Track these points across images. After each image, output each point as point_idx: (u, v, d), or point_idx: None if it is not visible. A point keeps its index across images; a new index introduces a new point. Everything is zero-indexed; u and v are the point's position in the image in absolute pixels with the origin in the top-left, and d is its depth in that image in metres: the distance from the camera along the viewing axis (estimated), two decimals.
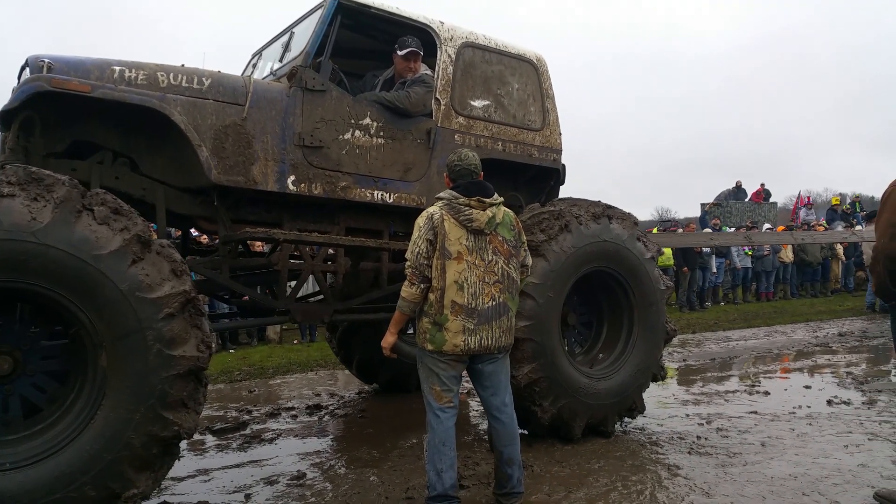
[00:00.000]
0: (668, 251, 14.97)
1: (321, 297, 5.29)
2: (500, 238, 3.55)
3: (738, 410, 5.85)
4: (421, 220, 3.50)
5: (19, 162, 3.65)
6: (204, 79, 4.13)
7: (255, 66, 5.43)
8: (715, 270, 15.45)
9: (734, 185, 22.44)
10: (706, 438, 4.96)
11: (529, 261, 3.78)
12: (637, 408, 5.21)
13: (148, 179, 4.20)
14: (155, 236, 3.41)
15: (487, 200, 3.52)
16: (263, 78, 4.95)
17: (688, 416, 5.71)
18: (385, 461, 4.59)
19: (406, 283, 3.50)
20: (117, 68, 3.91)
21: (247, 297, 4.96)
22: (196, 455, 4.93)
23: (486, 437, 5.10)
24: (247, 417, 5.98)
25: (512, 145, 5.26)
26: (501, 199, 3.62)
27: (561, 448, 4.74)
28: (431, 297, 3.45)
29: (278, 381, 7.85)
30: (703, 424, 5.39)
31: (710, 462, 4.43)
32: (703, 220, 18.54)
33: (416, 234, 3.50)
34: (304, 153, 4.37)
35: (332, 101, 4.48)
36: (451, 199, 3.51)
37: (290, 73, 4.40)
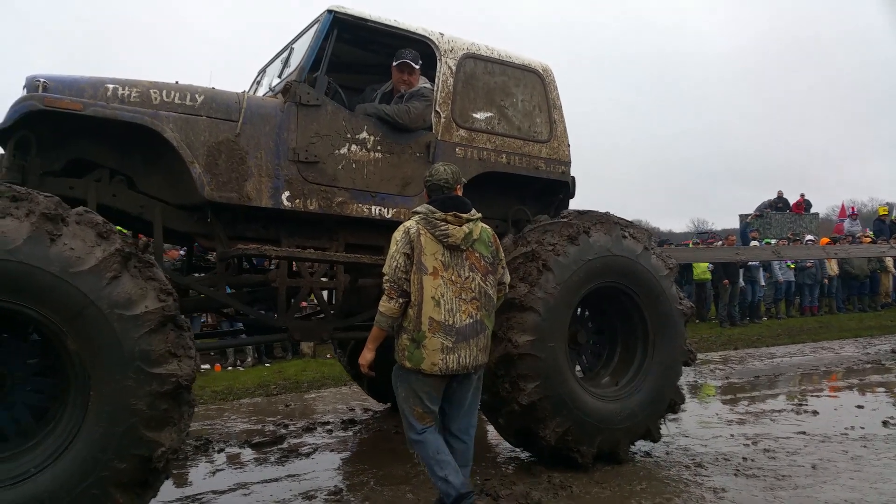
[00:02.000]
0: (703, 264, 14.79)
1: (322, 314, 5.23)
2: (477, 254, 3.49)
3: (785, 431, 5.64)
4: (398, 234, 3.46)
5: (16, 181, 3.69)
6: (197, 95, 4.14)
7: (259, 83, 5.45)
8: (763, 283, 15.12)
9: (775, 196, 21.97)
10: (753, 460, 4.79)
11: (507, 278, 3.71)
12: (652, 434, 4.94)
13: (145, 197, 4.21)
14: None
15: (464, 216, 3.47)
16: (264, 94, 4.96)
17: (732, 436, 5.52)
18: (418, 477, 4.53)
19: (384, 297, 3.44)
20: (111, 86, 3.95)
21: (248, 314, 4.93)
22: (235, 468, 4.97)
23: (513, 452, 5.02)
24: (283, 431, 6.00)
25: (517, 158, 5.14)
26: (479, 215, 3.56)
27: (601, 469, 4.61)
28: (410, 312, 3.39)
29: (313, 396, 7.87)
30: (748, 445, 5.20)
31: (757, 485, 4.27)
32: (743, 233, 18.14)
33: (392, 247, 3.45)
34: (299, 168, 4.34)
35: (327, 115, 4.45)
36: (428, 213, 3.46)
37: (285, 88, 4.40)
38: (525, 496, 4.02)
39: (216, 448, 5.51)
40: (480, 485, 4.24)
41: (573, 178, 5.52)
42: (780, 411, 6.45)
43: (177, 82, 4.17)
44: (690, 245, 18.11)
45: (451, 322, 3.36)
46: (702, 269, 14.69)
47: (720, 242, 16.60)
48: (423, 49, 4.89)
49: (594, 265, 4.66)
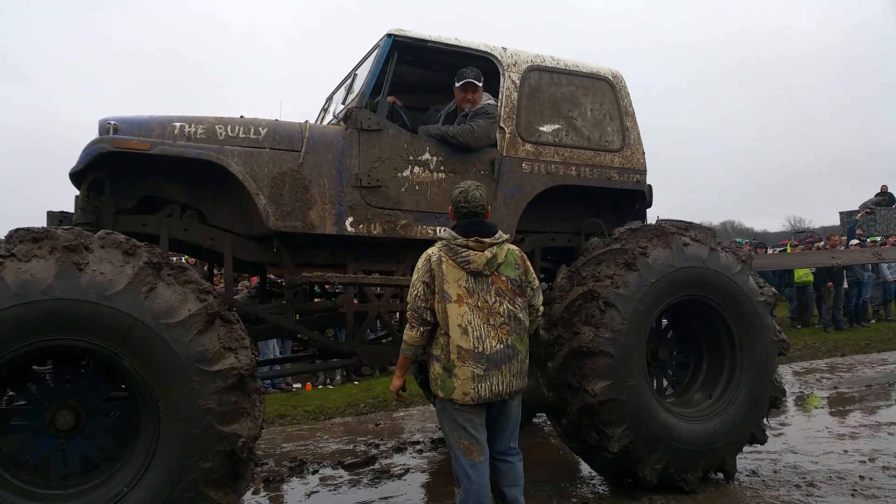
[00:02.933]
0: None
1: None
2: (503, 278, 3.38)
3: None
4: (420, 262, 3.41)
5: (90, 220, 3.86)
6: (260, 128, 4.22)
7: (326, 110, 5.50)
8: (868, 283, 14.23)
9: (879, 190, 20.70)
10: (871, 479, 4.47)
11: (538, 301, 3.55)
12: (758, 439, 4.70)
13: (215, 229, 4.31)
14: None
15: (487, 240, 3.36)
16: (329, 122, 4.99)
17: (846, 452, 5.19)
18: None
19: (407, 325, 3.41)
20: (178, 124, 4.07)
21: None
22: (330, 490, 5.02)
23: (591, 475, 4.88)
24: (374, 452, 6.04)
25: (587, 169, 4.97)
26: (506, 237, 3.46)
27: (706, 490, 4.41)
28: (441, 341, 3.32)
29: (401, 414, 7.91)
30: (865, 462, 4.87)
31: None
32: (850, 232, 17.13)
33: (414, 276, 3.40)
34: (362, 194, 4.34)
35: (388, 139, 4.44)
36: (450, 239, 3.38)
37: (346, 115, 4.41)
38: None
39: (310, 469, 5.57)
40: None
41: (650, 186, 5.31)
42: None
43: (241, 117, 4.27)
44: (789, 246, 17.36)
45: (480, 349, 3.26)
46: (804, 271, 14.00)
47: (822, 243, 15.80)
48: (485, 65, 4.83)
49: (660, 286, 4.40)
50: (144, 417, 3.27)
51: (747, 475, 4.71)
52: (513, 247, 3.49)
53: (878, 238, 16.56)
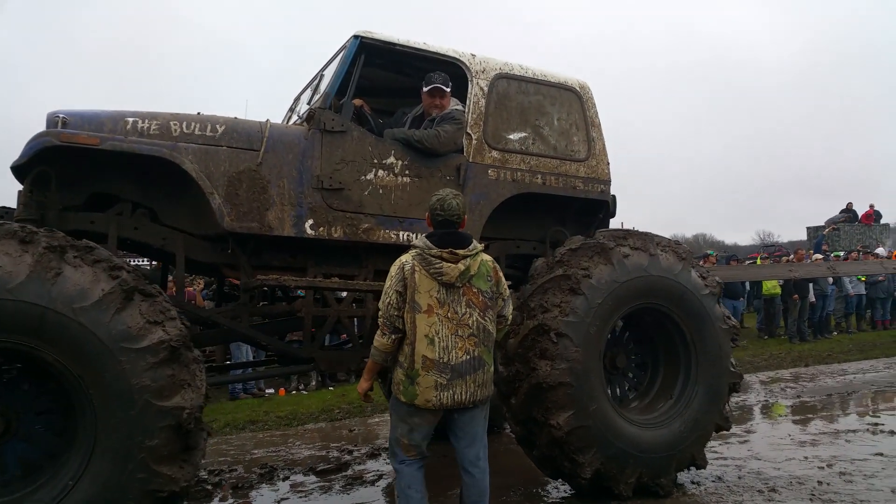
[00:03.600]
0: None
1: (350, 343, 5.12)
2: (475, 290, 3.38)
3: (861, 452, 5.44)
4: (393, 269, 3.41)
5: (33, 217, 3.72)
6: (218, 126, 4.11)
7: (293, 111, 5.42)
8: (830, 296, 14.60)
9: (844, 207, 21.22)
10: (828, 484, 4.63)
11: (508, 311, 3.57)
12: (698, 461, 4.72)
13: (168, 229, 4.19)
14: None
15: (461, 252, 3.35)
16: (294, 122, 4.92)
17: (806, 458, 5.34)
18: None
19: (378, 332, 3.40)
20: (131, 119, 3.95)
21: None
22: (301, 497, 4.99)
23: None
24: (348, 458, 6.05)
25: (553, 178, 4.96)
26: (479, 247, 3.45)
27: (672, 495, 4.51)
28: (406, 349, 3.33)
29: (377, 420, 7.89)
30: (823, 468, 5.03)
31: None
32: (817, 246, 17.54)
33: (387, 283, 3.40)
34: (324, 196, 4.26)
35: (352, 141, 4.37)
36: (424, 248, 3.37)
37: (308, 115, 4.33)
38: None
39: (281, 476, 5.52)
40: None
41: (613, 196, 5.32)
42: (854, 431, 6.21)
43: (199, 113, 4.16)
44: (759, 259, 17.70)
45: (445, 360, 3.28)
46: (772, 284, 14.31)
47: (790, 256, 16.16)
48: (453, 70, 4.79)
49: (607, 305, 4.42)
50: (79, 407, 3.17)
51: (713, 481, 4.81)
52: (486, 257, 3.49)
53: (841, 253, 16.99)
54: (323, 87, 4.62)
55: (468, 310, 3.35)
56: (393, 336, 3.37)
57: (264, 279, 4.21)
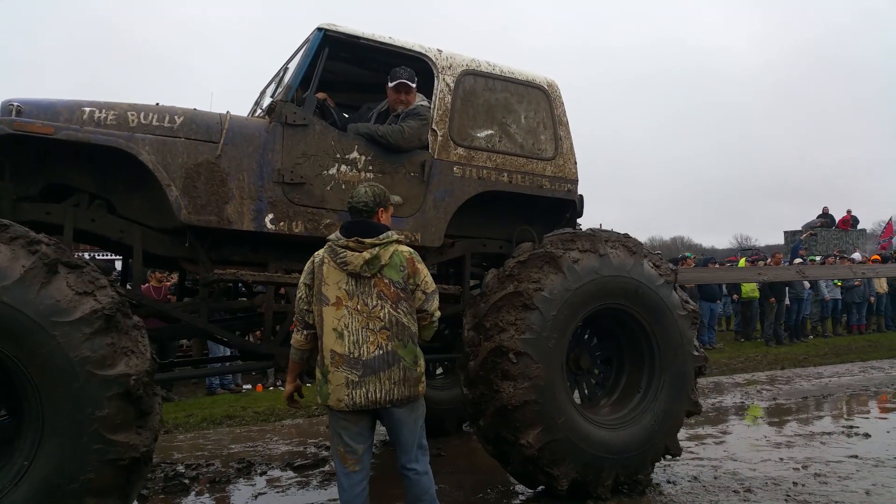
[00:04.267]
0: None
1: None
2: (385, 281, 3.23)
3: (836, 454, 5.52)
4: (307, 263, 3.34)
5: None
6: (176, 117, 4.05)
7: (258, 104, 5.34)
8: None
9: (821, 212, 21.49)
10: (803, 485, 4.68)
11: (431, 305, 3.37)
12: (672, 450, 4.77)
13: (126, 221, 4.12)
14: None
15: (367, 241, 3.23)
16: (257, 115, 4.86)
17: (782, 459, 5.41)
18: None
19: (294, 328, 3.33)
20: (87, 109, 3.88)
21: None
22: (278, 492, 4.98)
23: None
24: (325, 454, 6.01)
25: (519, 176, 4.94)
26: (394, 237, 3.33)
27: (647, 495, 4.55)
28: (319, 345, 3.24)
29: None
30: (798, 469, 5.09)
31: None
32: (794, 251, 17.75)
33: (301, 277, 3.35)
34: (284, 190, 4.21)
35: (314, 135, 4.31)
36: (334, 240, 3.29)
37: (269, 107, 4.27)
38: None
39: (258, 471, 5.52)
40: None
41: (581, 196, 5.31)
42: (830, 434, 6.29)
43: (157, 104, 4.10)
44: (743, 261, 17.83)
45: (356, 354, 3.15)
46: (751, 287, 14.46)
47: (769, 260, 16.33)
48: (420, 66, 4.76)
49: (563, 314, 4.37)
50: (21, 388, 3.12)
51: (689, 481, 4.86)
52: (403, 248, 3.36)
53: (818, 257, 17.21)
54: (287, 80, 4.56)
55: (379, 302, 3.21)
56: (306, 332, 3.31)
57: (221, 274, 4.14)
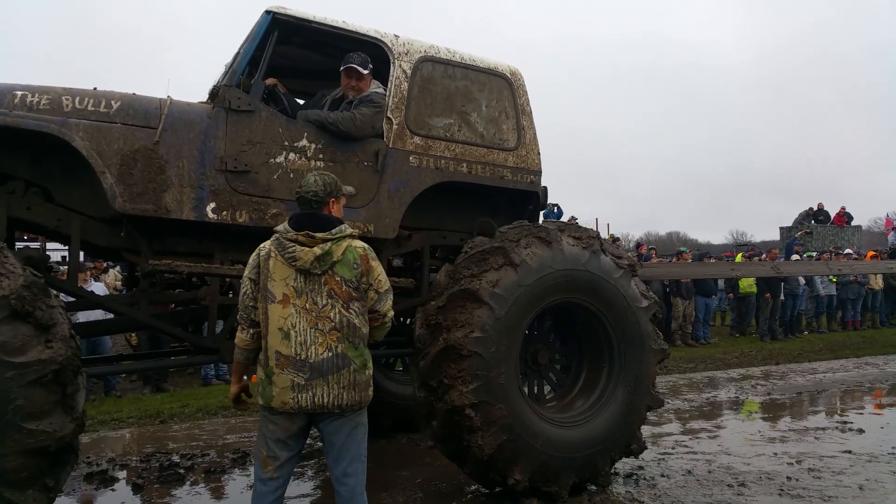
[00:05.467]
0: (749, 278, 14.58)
1: None
2: (337, 279, 3.03)
3: (830, 449, 5.55)
4: (252, 256, 3.14)
5: None
6: (113, 102, 3.90)
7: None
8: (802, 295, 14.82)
9: (815, 208, 21.51)
10: (797, 479, 4.70)
11: (384, 305, 3.18)
12: (633, 445, 4.63)
13: (63, 209, 3.98)
14: None
15: (319, 235, 3.03)
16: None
17: (776, 454, 5.43)
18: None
19: (238, 327, 3.15)
20: (19, 93, 3.74)
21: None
22: None
23: None
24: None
25: (479, 167, 4.80)
26: (348, 232, 3.13)
27: (640, 488, 4.57)
28: (263, 344, 3.05)
29: None
30: (792, 464, 5.12)
31: None
32: (788, 247, 17.78)
33: (245, 271, 3.15)
34: (227, 178, 4.06)
35: (260, 122, 4.16)
36: (283, 232, 3.08)
37: (212, 92, 4.11)
38: None
39: (253, 461, 5.51)
40: None
41: (545, 188, 5.18)
42: (824, 429, 6.31)
43: (95, 88, 3.96)
44: (740, 256, 17.88)
45: (303, 356, 2.96)
46: (748, 283, 14.48)
47: (764, 255, 16.34)
48: (375, 52, 4.61)
49: (513, 314, 4.23)
50: None
51: (682, 474, 4.88)
52: (357, 244, 3.16)
53: (814, 254, 17.24)
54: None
55: (330, 301, 3.01)
56: (251, 330, 3.10)
57: (156, 264, 3.99)
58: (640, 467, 5.06)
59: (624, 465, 5.11)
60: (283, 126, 4.25)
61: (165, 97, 4.08)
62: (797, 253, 16.25)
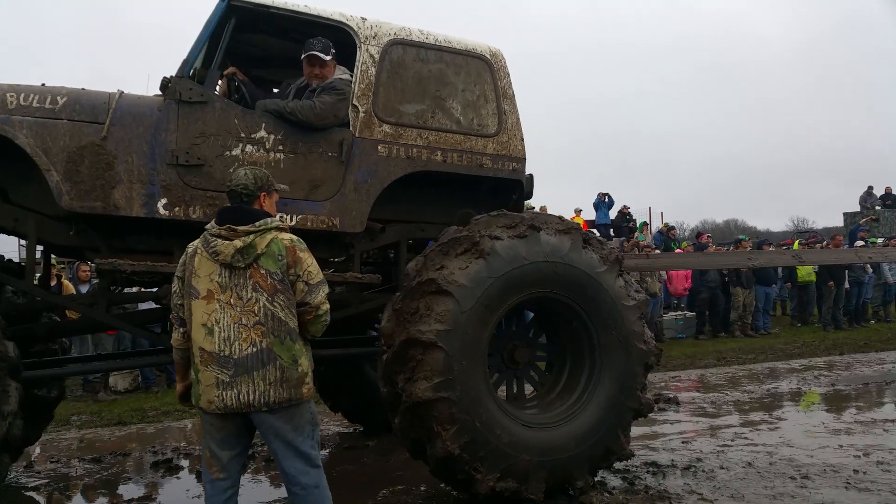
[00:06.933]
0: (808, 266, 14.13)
1: None
2: (262, 271, 2.92)
3: None
4: (183, 255, 3.07)
5: None
6: (59, 98, 3.82)
7: None
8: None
9: (884, 192, 20.69)
10: (865, 473, 4.51)
11: (315, 297, 3.02)
12: (615, 452, 4.23)
13: (21, 209, 3.94)
14: None
15: (241, 228, 2.93)
16: None
17: (841, 446, 5.21)
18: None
19: (172, 326, 3.08)
20: None
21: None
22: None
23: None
24: (335, 429, 6.22)
25: (455, 155, 4.53)
26: (274, 224, 3.01)
27: (697, 479, 4.49)
28: (190, 342, 2.97)
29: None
30: (859, 457, 4.90)
31: (871, 499, 4.04)
32: (852, 234, 17.17)
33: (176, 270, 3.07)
34: (180, 173, 3.93)
35: (214, 113, 4.01)
36: (209, 228, 3.00)
37: (162, 84, 4.00)
38: None
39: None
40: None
41: (530, 175, 4.88)
42: (892, 421, 6.05)
43: (42, 84, 3.89)
44: (796, 244, 17.37)
45: (227, 352, 2.86)
46: (806, 271, 14.09)
47: (826, 243, 15.85)
48: (341, 37, 4.39)
49: (479, 309, 3.91)
50: None
51: (742, 467, 4.73)
52: (285, 236, 3.04)
53: (880, 240, 16.60)
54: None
55: (255, 294, 2.90)
56: (182, 329, 3.03)
57: (100, 263, 3.92)
58: (699, 459, 4.93)
59: (682, 457, 5.01)
60: (239, 117, 4.10)
61: (115, 91, 3.97)
62: (862, 239, 15.65)
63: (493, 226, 4.11)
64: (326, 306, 3.08)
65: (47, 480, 5.17)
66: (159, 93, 4.10)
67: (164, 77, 3.99)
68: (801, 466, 4.71)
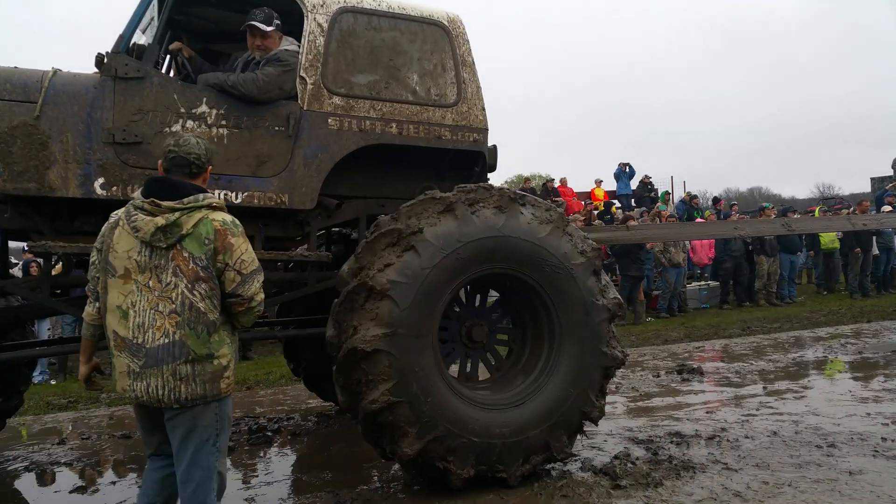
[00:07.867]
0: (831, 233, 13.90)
1: None
2: (185, 255, 2.67)
3: None
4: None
5: None
6: None
7: None
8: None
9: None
10: (893, 440, 4.42)
11: (248, 289, 2.78)
12: (553, 451, 4.02)
13: None
14: None
15: (165, 204, 2.67)
16: None
17: (868, 414, 5.13)
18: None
19: (88, 299, 2.89)
20: None
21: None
22: (353, 444, 5.13)
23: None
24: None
25: (412, 126, 4.38)
26: (206, 202, 2.75)
27: (723, 448, 4.47)
28: (104, 322, 2.77)
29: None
30: (888, 424, 4.81)
31: None
32: (879, 200, 16.83)
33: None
34: (117, 151, 3.82)
35: (152, 88, 3.89)
36: (135, 199, 2.76)
37: (97, 60, 3.87)
38: (645, 476, 3.97)
39: (335, 424, 5.73)
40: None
41: (493, 147, 4.71)
42: None
43: None
44: (818, 211, 17.09)
45: (139, 340, 2.64)
46: (830, 238, 13.85)
47: (852, 209, 15.54)
48: (287, 7, 4.25)
49: (431, 281, 3.76)
50: None
51: (767, 436, 4.68)
52: (217, 216, 2.77)
53: None
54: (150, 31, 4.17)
55: (174, 279, 2.66)
56: (96, 304, 2.82)
57: (32, 246, 3.86)
58: (723, 429, 4.86)
59: (706, 427, 4.94)
60: (179, 92, 3.97)
61: (50, 69, 3.88)
62: (889, 205, 15.34)
63: (421, 212, 3.90)
64: (260, 296, 2.86)
65: (79, 455, 5.31)
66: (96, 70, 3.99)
67: (99, 53, 3.88)
68: (827, 435, 4.65)
